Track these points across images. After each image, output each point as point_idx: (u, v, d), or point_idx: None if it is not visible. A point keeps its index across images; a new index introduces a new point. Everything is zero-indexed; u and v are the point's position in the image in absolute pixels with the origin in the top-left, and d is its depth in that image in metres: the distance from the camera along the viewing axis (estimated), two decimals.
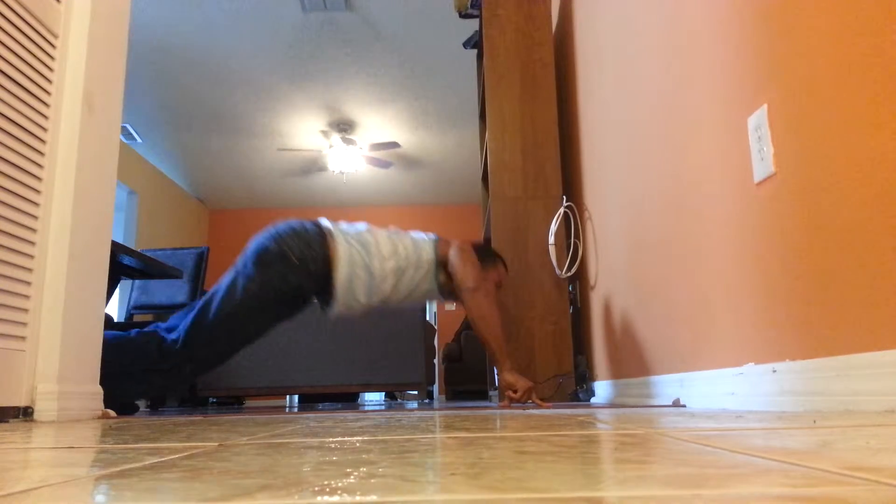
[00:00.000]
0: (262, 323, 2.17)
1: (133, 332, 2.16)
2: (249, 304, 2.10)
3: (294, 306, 2.21)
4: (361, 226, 2.26)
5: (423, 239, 2.29)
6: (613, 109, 2.34)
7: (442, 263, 2.25)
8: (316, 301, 2.30)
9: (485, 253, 2.36)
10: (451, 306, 8.21)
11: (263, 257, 2.11)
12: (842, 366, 1.02)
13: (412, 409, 2.06)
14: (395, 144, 6.24)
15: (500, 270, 2.38)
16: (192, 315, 2.14)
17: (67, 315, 1.58)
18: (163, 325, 2.20)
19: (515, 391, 2.04)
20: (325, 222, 2.20)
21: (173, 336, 2.13)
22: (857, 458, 0.45)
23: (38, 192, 1.56)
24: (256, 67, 5.20)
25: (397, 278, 2.20)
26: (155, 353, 2.11)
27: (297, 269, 2.10)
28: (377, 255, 2.16)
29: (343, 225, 2.23)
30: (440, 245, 2.28)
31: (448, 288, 2.28)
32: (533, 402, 2.05)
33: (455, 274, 2.20)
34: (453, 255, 2.22)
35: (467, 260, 2.22)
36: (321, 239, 2.12)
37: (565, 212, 2.81)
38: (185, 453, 0.61)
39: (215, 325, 2.10)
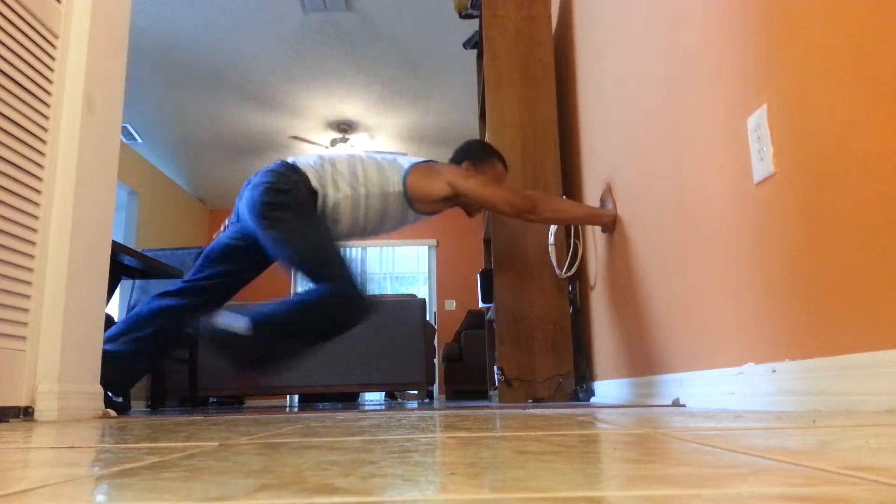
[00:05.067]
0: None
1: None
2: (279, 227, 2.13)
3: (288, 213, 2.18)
4: (314, 156, 2.27)
5: (394, 168, 2.25)
6: (613, 110, 2.34)
7: (416, 196, 2.23)
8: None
9: (481, 152, 2.42)
10: (451, 305, 8.21)
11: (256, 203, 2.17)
12: (842, 366, 1.02)
13: (412, 409, 2.06)
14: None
15: (498, 168, 2.45)
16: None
17: (68, 315, 1.58)
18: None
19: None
20: (288, 159, 2.24)
21: (175, 287, 2.24)
22: (856, 457, 0.46)
23: (38, 192, 1.56)
24: (256, 67, 5.20)
25: (353, 209, 2.19)
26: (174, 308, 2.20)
27: (287, 193, 2.13)
28: (331, 184, 2.18)
29: (302, 157, 2.28)
30: (411, 176, 2.23)
31: (431, 209, 2.29)
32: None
33: (489, 208, 2.28)
34: (467, 188, 2.22)
35: (484, 186, 2.24)
36: (293, 168, 2.17)
37: None
38: (186, 453, 0.61)
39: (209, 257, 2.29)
